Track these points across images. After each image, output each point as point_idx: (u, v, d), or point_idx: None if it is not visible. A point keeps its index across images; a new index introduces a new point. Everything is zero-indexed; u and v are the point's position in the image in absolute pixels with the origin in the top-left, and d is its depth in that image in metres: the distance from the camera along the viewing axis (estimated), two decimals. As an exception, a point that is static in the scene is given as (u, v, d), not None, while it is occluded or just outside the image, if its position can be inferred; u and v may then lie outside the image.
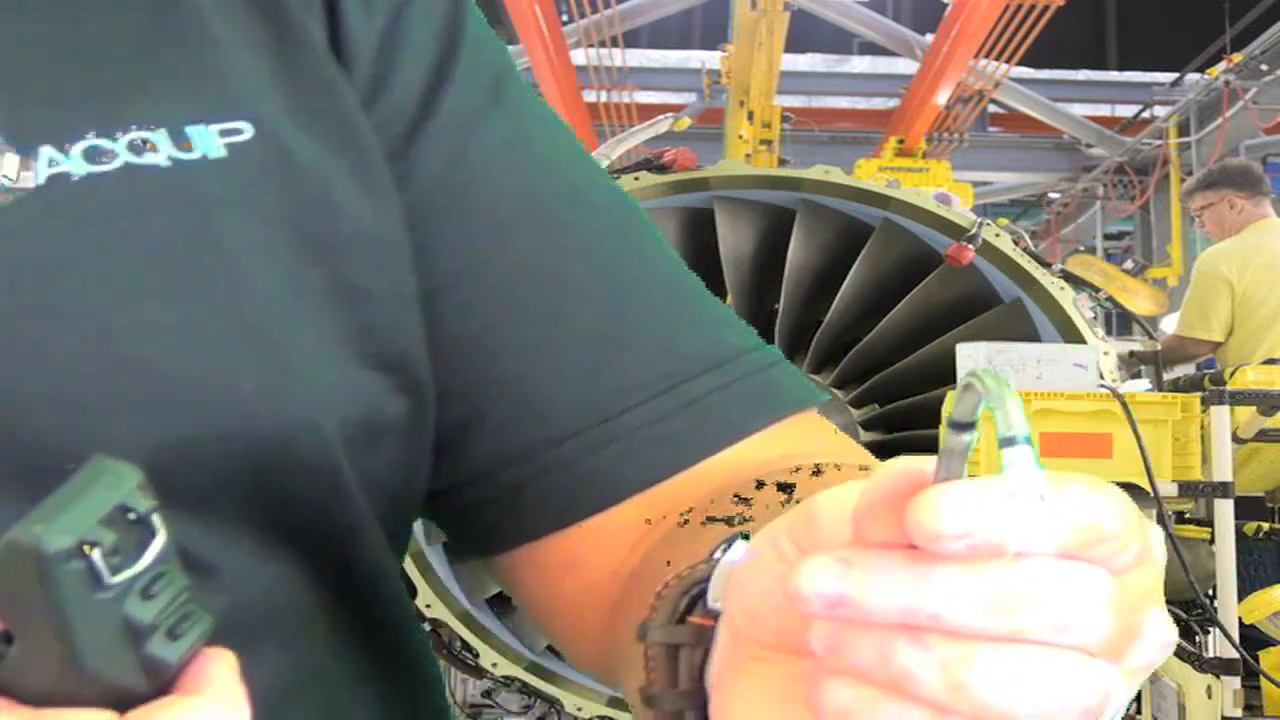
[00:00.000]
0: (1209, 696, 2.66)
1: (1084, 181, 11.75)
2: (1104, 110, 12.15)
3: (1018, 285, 3.19)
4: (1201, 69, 10.27)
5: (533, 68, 8.95)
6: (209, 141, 0.51)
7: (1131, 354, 3.86)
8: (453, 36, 0.58)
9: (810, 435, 0.61)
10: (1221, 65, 9.33)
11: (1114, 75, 13.41)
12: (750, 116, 7.29)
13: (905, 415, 3.30)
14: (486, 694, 2.74)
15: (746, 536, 0.45)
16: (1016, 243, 3.19)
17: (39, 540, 0.35)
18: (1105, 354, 2.92)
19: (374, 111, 0.56)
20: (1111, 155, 11.14)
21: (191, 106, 0.51)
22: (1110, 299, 3.36)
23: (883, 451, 3.35)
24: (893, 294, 3.26)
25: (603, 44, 9.28)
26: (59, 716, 0.36)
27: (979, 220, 3.17)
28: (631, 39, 10.01)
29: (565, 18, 9.22)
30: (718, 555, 0.46)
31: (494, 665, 2.72)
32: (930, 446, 3.06)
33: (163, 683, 0.38)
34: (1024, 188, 12.63)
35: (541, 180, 0.59)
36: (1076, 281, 3.23)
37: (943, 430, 0.28)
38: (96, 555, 0.36)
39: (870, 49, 11.72)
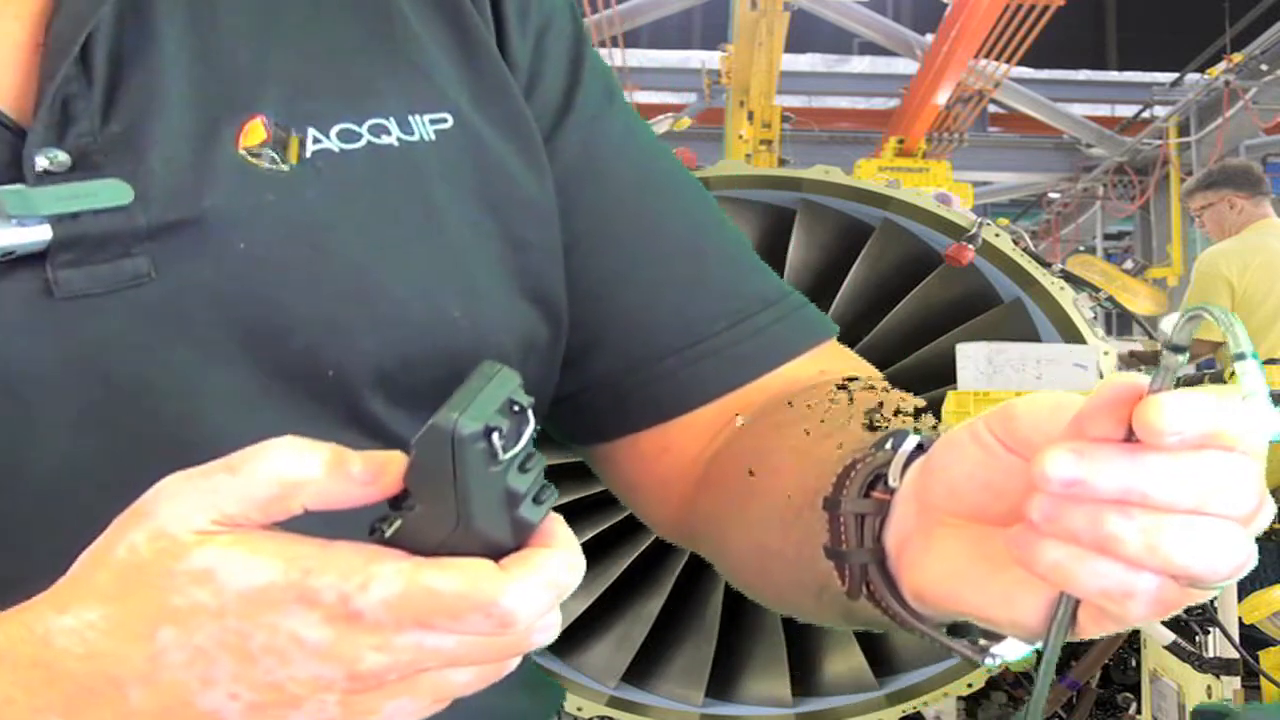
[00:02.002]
0: (1209, 696, 2.65)
1: (1084, 181, 11.75)
2: (1104, 110, 12.15)
3: (1018, 285, 3.19)
4: (1201, 69, 10.27)
5: (533, 68, 8.96)
6: (424, 128, 0.67)
7: (1131, 354, 3.86)
8: (579, 52, 0.76)
9: (836, 356, 0.81)
10: (1221, 65, 9.33)
11: (1114, 75, 13.41)
12: (750, 116, 7.28)
13: (905, 415, 3.30)
14: (486, 694, 2.74)
15: (918, 433, 0.61)
16: (1016, 243, 3.19)
17: (456, 425, 0.46)
18: (1105, 354, 2.92)
19: (531, 105, 0.72)
20: (1111, 155, 11.15)
21: (409, 100, 0.67)
22: (1110, 299, 3.36)
23: (883, 451, 3.35)
24: (893, 294, 3.26)
25: (603, 44, 9.28)
26: (453, 563, 0.47)
27: (979, 220, 3.17)
28: (631, 39, 10.01)
29: (565, 18, 9.22)
30: (891, 445, 0.61)
31: (494, 665, 2.72)
32: (930, 446, 3.05)
33: (523, 539, 0.48)
34: (1024, 188, 12.63)
35: (646, 163, 0.79)
36: (1076, 281, 3.23)
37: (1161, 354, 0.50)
38: (495, 438, 0.47)
39: (870, 49, 11.72)
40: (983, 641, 0.58)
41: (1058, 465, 0.49)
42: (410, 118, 0.67)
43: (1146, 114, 10.98)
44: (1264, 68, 8.85)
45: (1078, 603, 0.53)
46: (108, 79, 0.61)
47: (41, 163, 0.58)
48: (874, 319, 3.26)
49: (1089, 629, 0.53)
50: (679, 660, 3.06)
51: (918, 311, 3.25)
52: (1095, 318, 3.17)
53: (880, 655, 3.03)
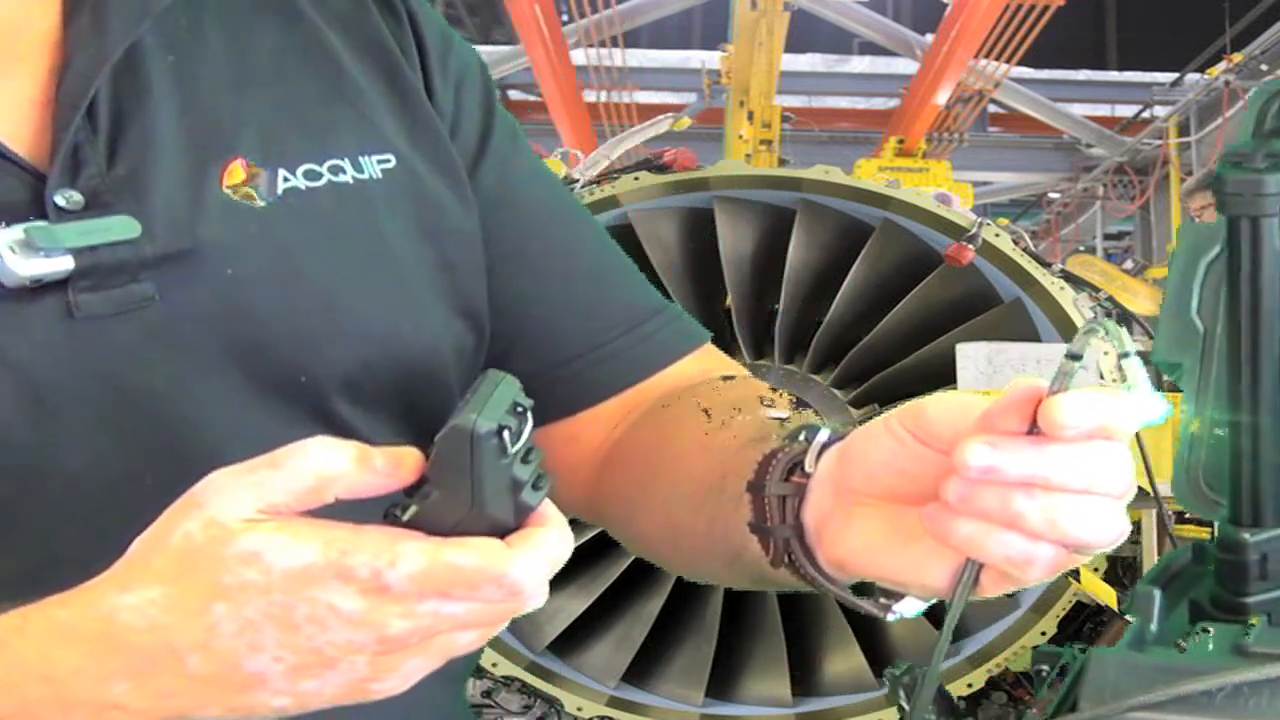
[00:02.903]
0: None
1: (1084, 181, 11.75)
2: (1104, 110, 12.14)
3: (1018, 285, 3.19)
4: (1201, 69, 10.27)
5: (533, 68, 8.94)
6: (372, 167, 0.78)
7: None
8: (489, 102, 0.89)
9: (713, 357, 0.94)
10: (1221, 65, 9.33)
11: (1114, 75, 13.41)
12: (750, 116, 7.28)
13: (905, 415, 3.30)
14: (486, 694, 2.74)
15: (826, 428, 0.73)
16: (1016, 243, 3.19)
17: (475, 425, 0.55)
18: (1105, 354, 2.91)
19: (454, 146, 0.84)
20: (1111, 155, 11.14)
21: (359, 143, 0.78)
22: (1110, 299, 3.35)
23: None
24: (893, 294, 3.26)
25: (603, 44, 9.28)
26: (469, 542, 0.56)
27: (979, 220, 3.17)
28: (631, 39, 10.00)
29: (565, 18, 9.21)
30: (804, 438, 0.73)
31: (494, 665, 2.72)
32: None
33: (523, 520, 0.58)
34: (1024, 188, 12.63)
35: (550, 197, 0.91)
36: (1076, 281, 3.23)
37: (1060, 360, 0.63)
38: (505, 435, 0.56)
39: (870, 49, 11.71)
40: (883, 600, 0.69)
41: (976, 455, 0.61)
42: (361, 158, 0.78)
43: (1146, 114, 10.98)
44: (1264, 68, 8.85)
45: (980, 567, 0.64)
46: (110, 128, 0.71)
47: (60, 202, 0.68)
48: (874, 319, 3.26)
49: (990, 590, 0.66)
50: (679, 660, 3.06)
51: (918, 311, 3.25)
52: (1095, 317, 3.16)
53: (880, 655, 3.03)
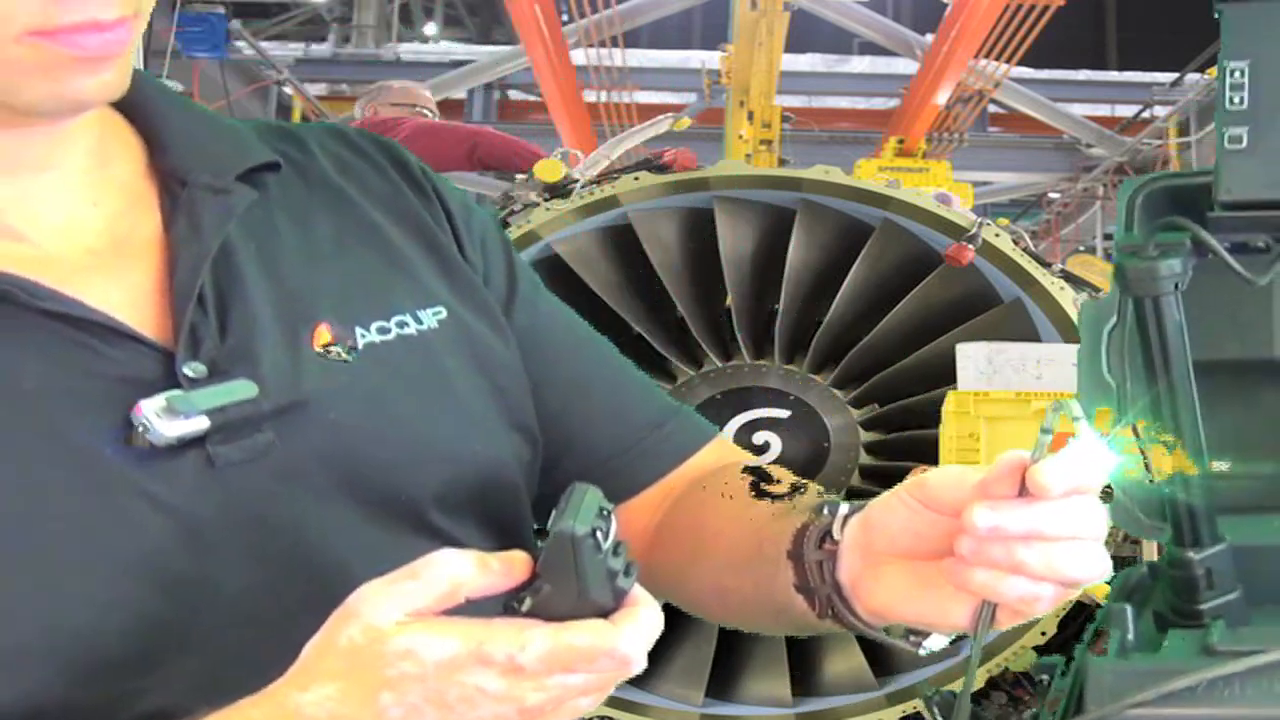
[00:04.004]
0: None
1: (1084, 181, 11.74)
2: (1104, 110, 12.14)
3: (1018, 285, 3.19)
4: (1201, 69, 10.25)
5: (533, 67, 8.94)
6: (429, 319, 0.93)
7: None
8: (509, 253, 1.05)
9: (724, 445, 1.12)
10: (1221, 65, 9.30)
11: (1114, 75, 13.40)
12: (750, 116, 7.27)
13: (905, 415, 3.30)
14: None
15: (843, 503, 0.90)
16: (1016, 243, 3.19)
17: (574, 529, 0.68)
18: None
19: (488, 292, 1.00)
20: (1111, 155, 11.14)
21: (416, 301, 0.94)
22: (1110, 299, 3.36)
23: (883, 450, 3.35)
24: (893, 294, 3.26)
25: (603, 44, 9.28)
26: (582, 625, 0.69)
27: (979, 220, 3.17)
28: (631, 39, 10.00)
29: (565, 18, 9.21)
30: (827, 512, 0.90)
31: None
32: (929, 445, 3.06)
33: (620, 602, 0.71)
34: (1024, 188, 12.61)
35: (572, 328, 1.08)
36: (1076, 281, 3.23)
37: (1038, 434, 0.79)
38: (598, 534, 0.69)
39: (870, 49, 11.71)
40: (914, 638, 0.86)
41: (982, 517, 0.77)
42: (419, 312, 0.93)
43: (1146, 114, 10.97)
44: (1264, 68, 8.83)
45: (995, 607, 0.80)
46: (217, 309, 0.85)
47: (189, 373, 0.82)
48: (874, 319, 3.26)
49: (1004, 623, 0.82)
50: (679, 660, 3.06)
51: (918, 311, 3.25)
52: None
53: (880, 655, 3.03)
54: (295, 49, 11.91)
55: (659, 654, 2.95)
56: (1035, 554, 0.77)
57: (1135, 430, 1.06)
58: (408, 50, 12.60)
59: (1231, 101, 1.09)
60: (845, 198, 3.24)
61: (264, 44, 10.64)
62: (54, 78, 0.79)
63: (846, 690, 3.04)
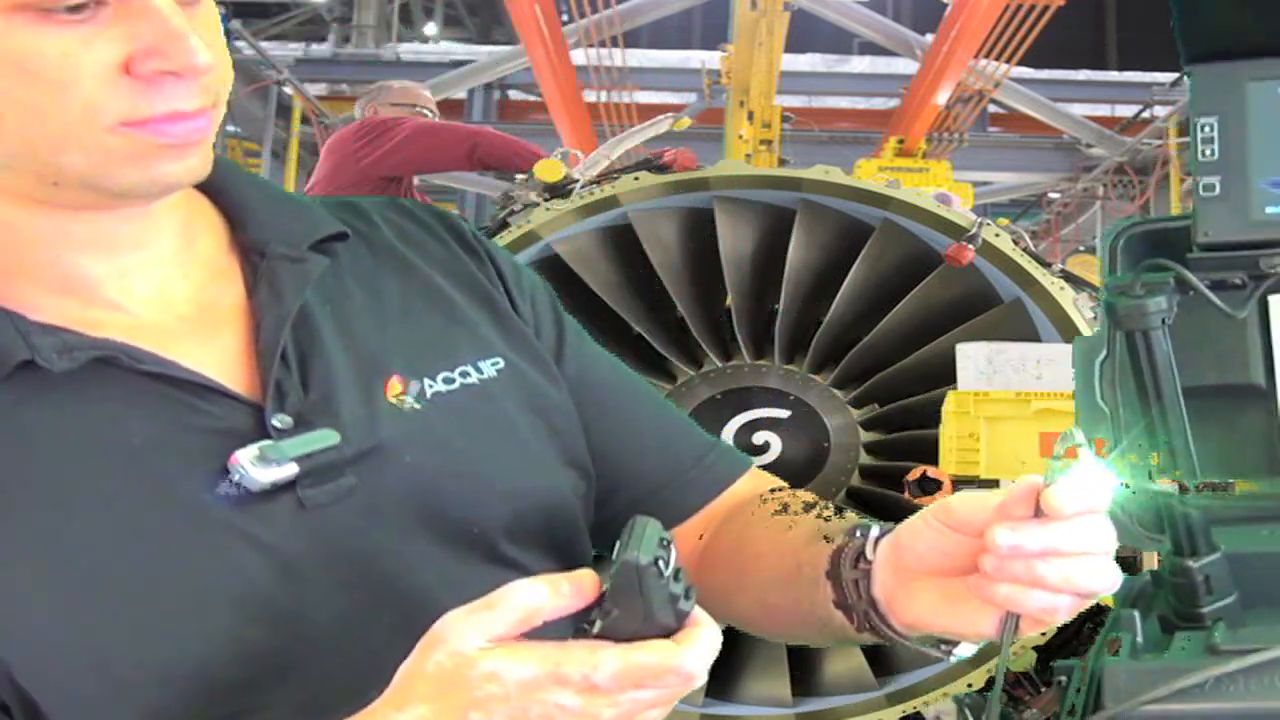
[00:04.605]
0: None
1: (1084, 181, 11.74)
2: (1104, 110, 12.14)
3: (1018, 285, 3.19)
4: (1201, 69, 10.25)
5: (533, 67, 8.94)
6: (489, 369, 1.03)
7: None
8: (556, 308, 1.15)
9: (759, 475, 1.21)
10: (1221, 65, 9.30)
11: (1114, 75, 13.41)
12: (750, 116, 7.27)
13: (905, 415, 3.30)
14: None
15: (875, 525, 0.99)
16: (1016, 243, 3.19)
17: (638, 559, 0.75)
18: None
19: (540, 343, 1.10)
20: (1111, 155, 11.14)
21: (476, 352, 1.03)
22: (1110, 299, 3.36)
23: (883, 450, 3.35)
24: (893, 294, 3.26)
25: (603, 44, 9.28)
26: (649, 645, 0.76)
27: (979, 220, 3.17)
28: (631, 39, 10.00)
29: (565, 18, 9.21)
30: (859, 535, 0.98)
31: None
32: (929, 445, 3.06)
33: (683, 623, 0.77)
34: (1024, 188, 12.62)
35: (615, 374, 1.17)
36: (1076, 281, 3.23)
37: (1049, 461, 0.87)
38: (660, 563, 0.75)
39: (870, 49, 11.72)
40: (944, 646, 0.94)
41: (1003, 537, 0.85)
42: (479, 363, 1.03)
43: (1146, 114, 10.98)
44: (1264, 68, 8.83)
45: (1019, 617, 0.87)
46: (299, 366, 0.95)
47: (277, 424, 0.91)
48: (874, 319, 3.26)
49: (1027, 631, 0.89)
50: (679, 660, 3.05)
51: (918, 311, 3.25)
52: (1095, 318, 3.16)
53: (880, 655, 3.04)
54: (295, 49, 11.92)
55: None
56: (1053, 569, 0.85)
57: (1130, 451, 1.16)
58: (408, 50, 12.61)
59: (1204, 154, 1.20)
60: (845, 198, 3.24)
61: (264, 44, 10.65)
62: (144, 164, 0.87)
63: (846, 690, 3.04)
